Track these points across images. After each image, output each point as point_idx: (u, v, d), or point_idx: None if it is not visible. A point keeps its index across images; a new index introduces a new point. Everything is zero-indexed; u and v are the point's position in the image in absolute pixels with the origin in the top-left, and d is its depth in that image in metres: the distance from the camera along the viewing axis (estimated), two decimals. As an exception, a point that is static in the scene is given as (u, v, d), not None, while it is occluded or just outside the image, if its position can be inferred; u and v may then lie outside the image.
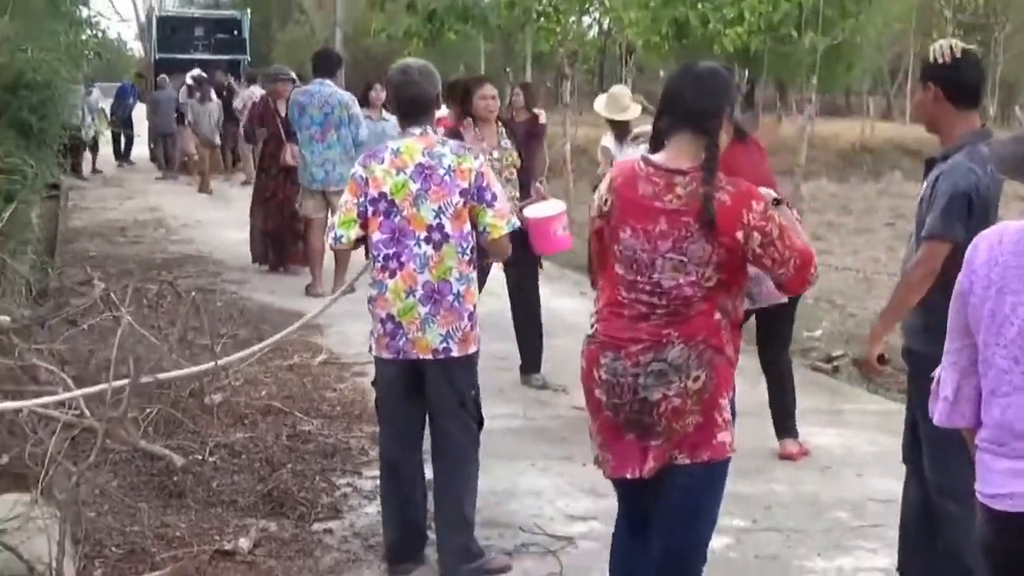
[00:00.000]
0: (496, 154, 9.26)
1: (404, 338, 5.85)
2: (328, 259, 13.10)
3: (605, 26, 50.24)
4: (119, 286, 8.44)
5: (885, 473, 7.61)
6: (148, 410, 7.72)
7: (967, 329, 3.66)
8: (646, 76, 44.40)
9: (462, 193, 5.82)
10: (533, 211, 8.99)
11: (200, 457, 7.34)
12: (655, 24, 30.38)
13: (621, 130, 10.56)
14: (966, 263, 3.65)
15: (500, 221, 5.92)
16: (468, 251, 5.89)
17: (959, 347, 3.71)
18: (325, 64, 13.86)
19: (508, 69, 31.49)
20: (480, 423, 6.14)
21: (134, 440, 7.29)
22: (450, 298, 5.84)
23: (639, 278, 4.58)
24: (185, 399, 8.01)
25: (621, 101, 10.72)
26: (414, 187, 5.82)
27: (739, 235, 4.47)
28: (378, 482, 6.37)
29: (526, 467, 7.70)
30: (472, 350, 5.96)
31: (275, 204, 14.86)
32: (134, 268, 11.42)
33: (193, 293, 8.56)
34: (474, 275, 5.98)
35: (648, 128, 5.56)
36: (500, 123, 9.67)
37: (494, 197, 5.90)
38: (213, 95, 25.28)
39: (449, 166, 5.84)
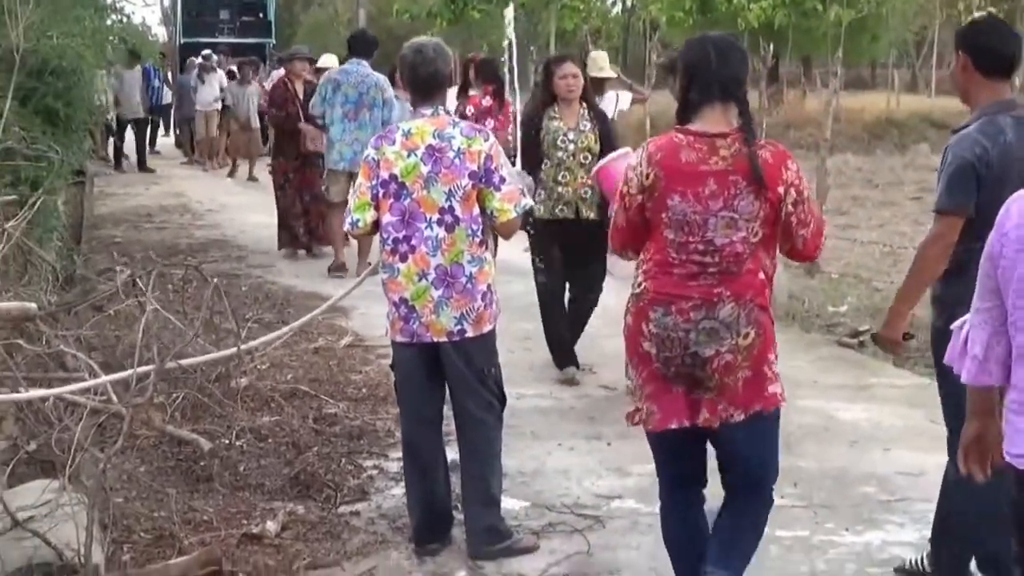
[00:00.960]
0: (572, 135, 8.99)
1: (418, 321, 5.86)
2: (354, 243, 13.13)
3: (629, 3, 50.22)
4: (144, 271, 8.43)
5: (912, 447, 7.61)
6: (174, 395, 7.76)
7: (997, 290, 3.66)
8: (669, 51, 44.25)
9: (471, 176, 5.81)
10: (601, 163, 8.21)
11: (227, 441, 7.37)
12: (679, 0, 30.24)
13: (597, 89, 11.07)
14: (997, 226, 3.65)
15: (508, 204, 5.90)
16: (479, 233, 5.87)
17: (989, 307, 3.71)
18: (362, 45, 13.85)
19: (532, 47, 31.39)
20: (503, 401, 6.15)
21: (161, 425, 7.32)
22: (463, 280, 5.83)
23: (691, 239, 4.81)
24: (211, 384, 8.03)
25: (598, 62, 11.74)
26: (424, 169, 5.81)
27: (780, 190, 4.79)
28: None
29: (553, 447, 7.69)
30: (487, 328, 5.96)
31: (292, 189, 14.80)
32: (159, 254, 11.41)
33: (217, 278, 8.55)
34: (487, 256, 5.96)
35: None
36: (584, 104, 9.20)
37: (502, 180, 5.88)
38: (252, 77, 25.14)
39: (459, 148, 5.82)
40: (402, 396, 6.20)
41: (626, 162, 7.30)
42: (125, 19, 14.64)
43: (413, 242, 5.82)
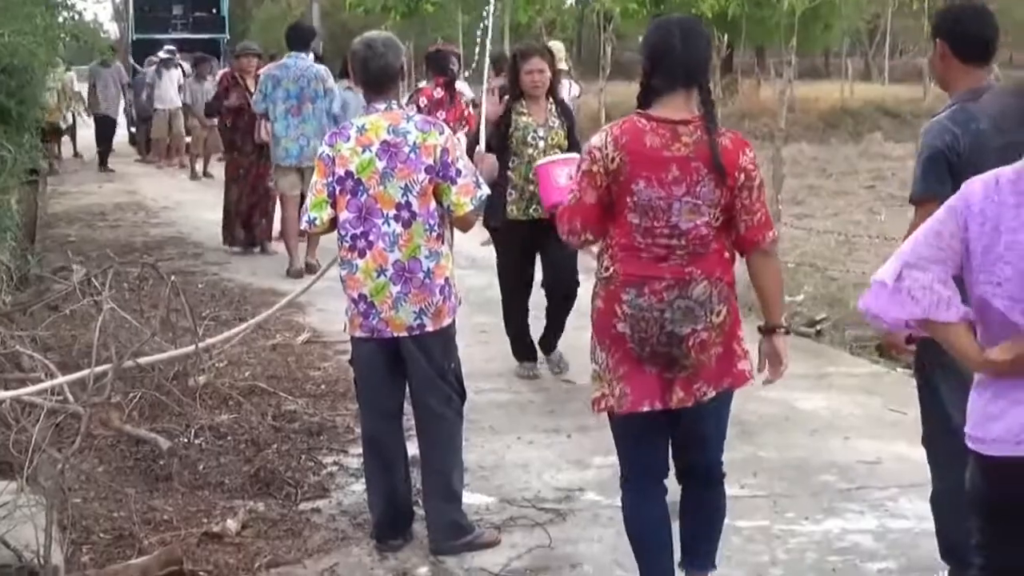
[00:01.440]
0: (541, 132, 8.80)
1: (377, 317, 5.85)
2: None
3: (583, -6, 50.24)
4: (100, 270, 8.40)
5: (871, 436, 7.67)
6: (132, 394, 7.73)
7: (939, 234, 3.67)
8: (625, 43, 44.29)
9: (427, 170, 5.79)
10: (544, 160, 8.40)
11: (186, 440, 7.34)
12: (633, -9, 30.32)
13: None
14: (960, 195, 3.68)
15: (465, 198, 5.88)
16: (436, 227, 5.86)
17: (921, 242, 3.70)
18: (299, 37, 13.81)
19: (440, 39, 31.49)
20: (462, 396, 6.15)
21: (119, 425, 7.30)
22: (420, 275, 5.82)
23: (655, 223, 4.84)
24: (169, 382, 7.99)
25: (556, 54, 11.37)
26: (380, 165, 5.79)
27: (736, 174, 4.84)
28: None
29: (513, 440, 7.70)
30: (447, 322, 5.96)
31: (250, 181, 14.72)
32: (114, 252, 11.37)
33: (173, 276, 8.53)
34: (444, 249, 5.94)
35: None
36: (551, 99, 8.98)
37: (458, 173, 5.87)
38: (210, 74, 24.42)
39: (414, 143, 5.80)
40: (362, 391, 6.19)
41: (568, 168, 7.41)
42: (76, 16, 14.57)
43: (371, 238, 5.81)
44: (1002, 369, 3.65)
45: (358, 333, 5.97)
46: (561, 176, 7.78)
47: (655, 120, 4.87)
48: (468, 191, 5.89)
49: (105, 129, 26.19)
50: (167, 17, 36.24)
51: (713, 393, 4.96)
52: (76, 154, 27.61)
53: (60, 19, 13.47)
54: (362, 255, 5.83)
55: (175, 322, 8.55)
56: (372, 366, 6.03)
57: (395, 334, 5.87)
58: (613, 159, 4.86)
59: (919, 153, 5.12)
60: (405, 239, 5.79)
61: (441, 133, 5.90)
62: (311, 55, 14.03)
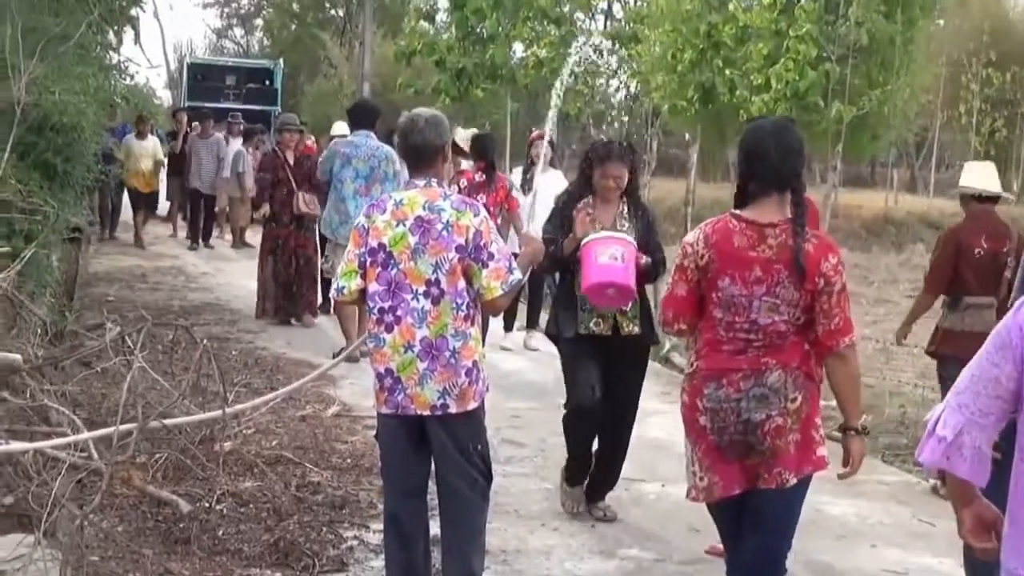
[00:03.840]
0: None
1: (403, 393, 5.79)
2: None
3: (632, 89, 50.50)
4: (134, 330, 8.39)
5: (899, 545, 7.55)
6: (157, 455, 7.68)
7: (998, 380, 3.48)
8: (671, 139, 44.45)
9: (458, 249, 5.74)
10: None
11: (207, 504, 7.28)
12: (682, 89, 30.39)
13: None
14: (1015, 326, 3.47)
15: (495, 282, 5.79)
16: (464, 307, 5.79)
17: (980, 392, 3.52)
18: (365, 115, 13.28)
19: (533, 128, 31.57)
20: (489, 478, 6.04)
21: (141, 485, 7.25)
22: (446, 354, 5.75)
23: (737, 318, 5.13)
24: (195, 446, 7.95)
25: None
26: (412, 240, 5.76)
27: (816, 278, 5.07)
28: (384, 536, 6.29)
29: (537, 526, 7.61)
30: (472, 407, 5.85)
31: (287, 253, 14.75)
32: (151, 314, 11.36)
33: (207, 341, 8.50)
34: (473, 332, 5.85)
35: None
36: (626, 200, 7.75)
37: (490, 257, 5.80)
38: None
39: (448, 221, 5.76)
40: (386, 468, 6.12)
41: (614, 247, 7.10)
42: (130, 79, 14.71)
43: (399, 312, 5.76)
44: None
45: (384, 409, 5.90)
46: (602, 254, 7.15)
47: (745, 221, 5.13)
48: (499, 275, 5.81)
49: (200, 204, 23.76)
50: (220, 87, 36.52)
51: (795, 480, 5.17)
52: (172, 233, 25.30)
53: (113, 82, 13.61)
54: (389, 330, 5.78)
55: (205, 387, 8.52)
56: (396, 443, 5.96)
57: (419, 412, 5.80)
58: (703, 256, 5.17)
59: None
60: (434, 316, 5.74)
61: (476, 215, 5.84)
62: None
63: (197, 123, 23.82)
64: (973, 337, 6.66)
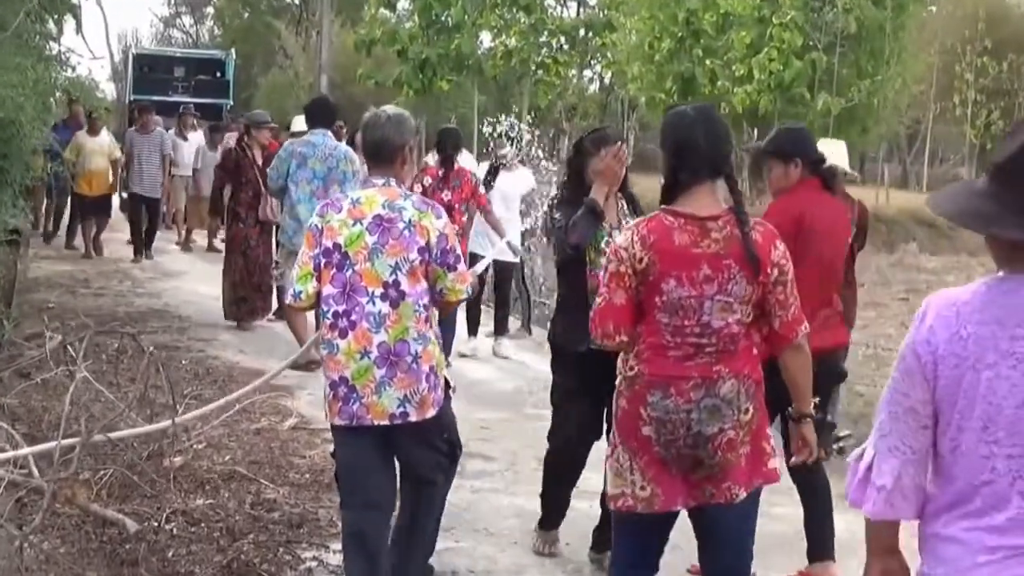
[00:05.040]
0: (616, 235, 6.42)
1: (358, 402, 5.81)
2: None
3: (607, 80, 50.62)
4: (76, 339, 8.36)
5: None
6: (102, 472, 7.65)
7: (915, 411, 3.49)
8: (649, 133, 44.57)
9: (420, 251, 5.82)
10: None
11: (156, 524, 7.25)
12: (660, 80, 30.56)
13: None
14: (921, 342, 3.46)
15: (461, 285, 5.96)
16: (424, 309, 5.87)
17: (905, 430, 3.52)
18: (324, 113, 13.07)
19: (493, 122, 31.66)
20: (455, 456, 6.27)
21: (85, 503, 7.22)
22: (408, 359, 5.80)
23: (687, 322, 5.00)
24: (143, 461, 7.93)
25: None
26: (370, 240, 5.81)
27: (770, 270, 5.04)
28: (345, 556, 6.29)
29: (507, 544, 7.62)
30: (430, 414, 5.90)
31: (254, 256, 14.70)
32: (94, 321, 11.31)
33: (155, 349, 8.49)
34: (431, 334, 5.92)
35: None
36: (622, 196, 7.33)
37: (457, 260, 5.94)
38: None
39: (410, 220, 5.83)
40: (347, 483, 6.12)
41: None
42: (71, 71, 14.64)
43: (353, 317, 5.79)
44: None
45: (337, 420, 5.91)
46: None
47: (683, 216, 5.02)
48: (463, 279, 5.97)
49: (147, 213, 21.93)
50: (168, 79, 36.36)
51: (744, 494, 5.13)
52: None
53: (53, 75, 13.54)
54: (344, 335, 5.81)
55: (154, 398, 8.50)
56: (359, 456, 5.98)
57: (375, 422, 5.82)
58: (641, 259, 5.00)
59: None
60: (393, 320, 5.78)
61: (439, 217, 5.94)
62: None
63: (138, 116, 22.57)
64: None
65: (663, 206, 5.11)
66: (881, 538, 3.70)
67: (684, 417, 5.00)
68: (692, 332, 4.98)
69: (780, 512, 8.09)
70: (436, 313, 6.05)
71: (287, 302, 6.30)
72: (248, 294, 14.81)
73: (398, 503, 6.25)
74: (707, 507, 5.15)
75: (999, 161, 3.36)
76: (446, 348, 12.29)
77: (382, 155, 6.02)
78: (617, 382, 5.20)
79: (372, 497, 6.01)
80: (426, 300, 5.87)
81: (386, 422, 5.81)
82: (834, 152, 9.92)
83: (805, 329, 5.21)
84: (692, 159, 5.06)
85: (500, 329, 14.04)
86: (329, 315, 5.84)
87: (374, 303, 5.78)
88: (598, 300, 5.16)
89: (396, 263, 5.79)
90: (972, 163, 45.81)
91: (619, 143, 7.11)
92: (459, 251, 6.00)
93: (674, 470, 5.09)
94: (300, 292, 5.92)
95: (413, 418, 5.83)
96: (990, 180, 3.35)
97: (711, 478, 5.09)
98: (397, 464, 6.13)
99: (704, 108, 5.35)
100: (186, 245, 23.48)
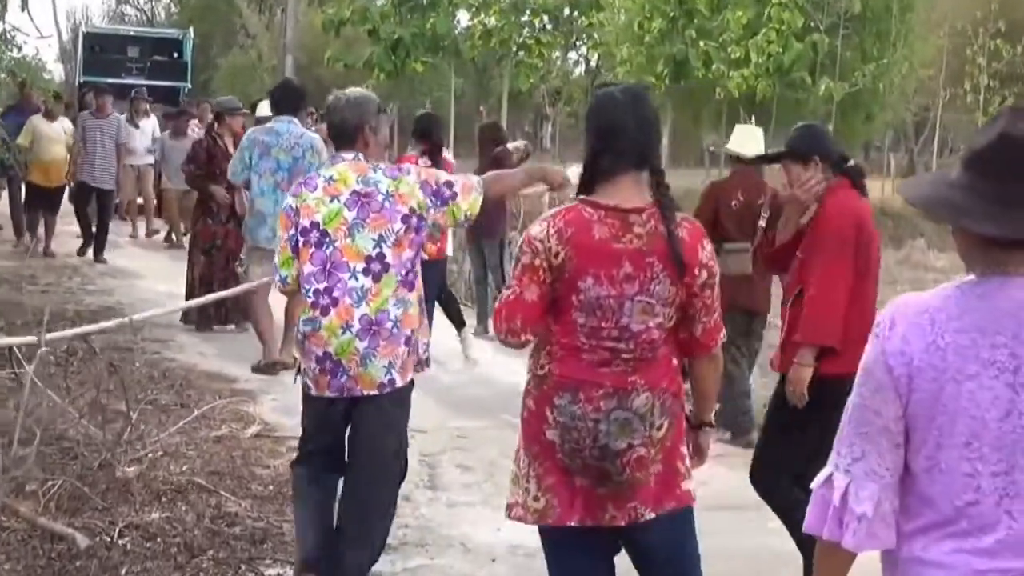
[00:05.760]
0: None
1: (345, 375, 6.08)
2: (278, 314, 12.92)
3: (593, 63, 50.66)
4: (22, 340, 8.35)
5: None
6: (50, 482, 7.63)
7: (888, 430, 3.40)
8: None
9: (404, 219, 6.06)
10: None
11: (108, 539, 7.24)
12: (650, 63, 30.58)
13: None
14: (892, 353, 3.37)
15: (470, 196, 6.21)
16: (407, 276, 6.11)
17: (879, 451, 3.43)
18: (290, 99, 12.88)
19: (482, 108, 31.63)
20: (402, 472, 6.49)
21: (31, 516, 7.21)
22: (388, 326, 6.05)
23: (604, 324, 4.87)
24: (94, 471, 7.92)
25: None
26: (349, 216, 6.07)
27: (697, 271, 4.91)
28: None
29: (486, 561, 7.63)
30: (409, 377, 6.21)
31: (223, 255, 14.47)
32: (41, 321, 11.30)
33: (108, 351, 8.48)
34: (412, 297, 6.13)
35: None
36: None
37: (450, 186, 6.19)
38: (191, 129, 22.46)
39: (387, 192, 6.10)
40: (305, 442, 6.46)
41: None
42: (16, 50, 14.63)
43: (335, 293, 6.04)
44: None
45: (328, 393, 6.15)
46: None
47: (603, 208, 4.89)
48: (469, 190, 6.22)
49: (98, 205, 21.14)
50: (121, 60, 36.19)
51: (652, 515, 4.98)
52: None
53: (-2, 54, 13.53)
54: (326, 312, 6.06)
55: (107, 404, 8.49)
56: (323, 424, 6.30)
57: (365, 391, 6.08)
58: (557, 253, 4.87)
59: None
60: (374, 293, 6.03)
61: (409, 174, 6.23)
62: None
63: (92, 99, 21.82)
64: (732, 279, 9.27)
65: (581, 196, 4.99)
66: (839, 569, 3.60)
67: (591, 427, 4.87)
68: (609, 336, 4.86)
69: (775, 526, 8.10)
70: (420, 279, 6.25)
71: (276, 288, 6.63)
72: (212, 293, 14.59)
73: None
74: (628, 530, 5.03)
75: (976, 149, 3.27)
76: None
77: (343, 137, 6.34)
78: (526, 380, 5.12)
79: (330, 458, 6.32)
80: (410, 267, 6.11)
81: (375, 392, 6.08)
82: (748, 138, 11.06)
83: (723, 337, 5.14)
84: (618, 144, 4.92)
85: (459, 323, 13.85)
86: (310, 293, 6.10)
87: (356, 278, 6.02)
88: (506, 293, 5.04)
89: (380, 236, 6.04)
90: (984, 153, 45.88)
91: None
92: (444, 178, 6.25)
93: (577, 482, 4.96)
94: (285, 276, 6.27)
95: (399, 383, 6.10)
96: (964, 169, 3.27)
97: (616, 496, 4.95)
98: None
99: (635, 91, 5.21)
100: (169, 238, 23.06)
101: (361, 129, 6.31)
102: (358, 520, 6.28)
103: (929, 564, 3.36)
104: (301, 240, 6.14)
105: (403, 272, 6.08)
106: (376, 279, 6.02)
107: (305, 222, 6.12)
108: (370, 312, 6.01)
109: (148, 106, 24.38)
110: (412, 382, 6.30)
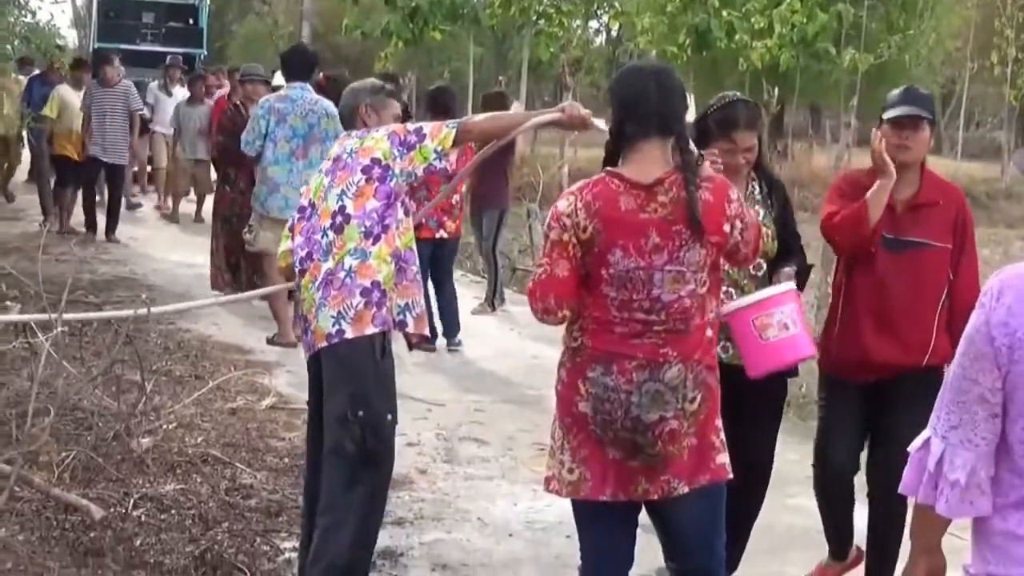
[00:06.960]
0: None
1: (309, 331, 6.15)
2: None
3: (614, 32, 50.53)
4: (37, 309, 8.39)
5: (907, 551, 7.58)
6: (64, 453, 7.68)
7: (985, 399, 3.43)
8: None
9: (364, 170, 6.16)
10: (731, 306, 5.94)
11: (123, 510, 7.29)
12: (672, 33, 30.42)
13: None
14: (996, 324, 3.39)
15: (440, 133, 6.21)
16: (372, 227, 6.09)
17: (975, 420, 3.46)
18: (302, 64, 12.79)
19: (501, 78, 31.55)
20: (366, 453, 6.04)
21: (46, 487, 7.25)
22: (341, 275, 6.04)
23: (635, 296, 4.93)
24: (108, 442, 7.96)
25: None
26: (326, 181, 6.28)
27: (727, 228, 5.00)
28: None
29: (503, 536, 7.65)
30: (369, 330, 6.00)
31: (243, 224, 14.35)
32: (56, 290, 11.33)
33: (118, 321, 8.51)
34: (374, 250, 6.06)
35: None
36: (755, 176, 6.55)
37: (419, 131, 6.25)
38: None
39: (351, 149, 6.29)
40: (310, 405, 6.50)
41: (779, 310, 5.89)
42: (30, 15, 14.65)
43: (314, 256, 6.16)
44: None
45: (304, 354, 6.36)
46: (769, 328, 5.85)
47: (627, 181, 4.95)
48: (439, 128, 6.25)
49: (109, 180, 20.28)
50: (136, 26, 36.05)
51: (686, 489, 5.04)
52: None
53: (11, 19, 13.54)
54: (303, 274, 6.20)
55: (121, 374, 8.52)
56: (313, 387, 6.34)
57: (318, 344, 6.07)
58: (585, 227, 4.95)
59: None
60: (338, 246, 6.09)
61: (378, 130, 6.36)
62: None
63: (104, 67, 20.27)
64: None
65: (607, 169, 5.06)
66: (932, 534, 3.70)
67: (623, 399, 4.92)
68: (641, 307, 4.92)
69: (795, 504, 8.14)
70: (400, 239, 6.18)
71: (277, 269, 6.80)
72: (237, 263, 14.55)
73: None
74: (660, 503, 5.09)
75: None
76: (451, 323, 12.35)
77: (344, 122, 6.74)
78: (560, 353, 5.19)
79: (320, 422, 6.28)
80: (375, 219, 6.10)
81: (324, 344, 6.03)
82: None
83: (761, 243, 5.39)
84: (641, 112, 4.99)
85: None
86: (297, 263, 6.26)
87: (326, 235, 6.13)
88: (538, 271, 5.09)
89: (342, 190, 6.17)
90: (1011, 127, 45.68)
91: (747, 131, 6.34)
92: (414, 127, 6.31)
93: (610, 455, 5.02)
94: (282, 251, 6.57)
95: (349, 335, 5.97)
96: None
97: (648, 470, 5.01)
98: None
99: (661, 65, 5.48)
100: (173, 215, 22.57)
101: (356, 110, 6.62)
102: (325, 494, 6.13)
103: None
104: (297, 218, 6.40)
105: (367, 223, 6.06)
106: (338, 231, 6.08)
107: (304, 201, 6.40)
108: (332, 265, 6.06)
109: (182, 74, 24.01)
110: (381, 344, 6.04)
